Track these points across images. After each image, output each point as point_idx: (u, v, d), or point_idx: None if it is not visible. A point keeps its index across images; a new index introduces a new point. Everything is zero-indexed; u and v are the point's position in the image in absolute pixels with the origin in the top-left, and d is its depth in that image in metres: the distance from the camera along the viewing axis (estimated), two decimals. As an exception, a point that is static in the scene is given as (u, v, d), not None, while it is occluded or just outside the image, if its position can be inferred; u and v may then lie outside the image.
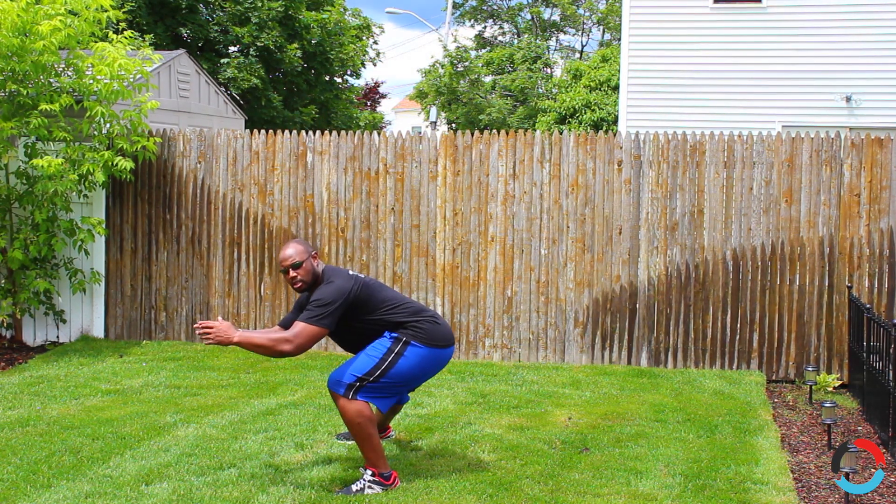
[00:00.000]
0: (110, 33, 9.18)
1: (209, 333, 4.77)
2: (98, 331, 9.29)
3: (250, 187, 9.06)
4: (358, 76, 25.81)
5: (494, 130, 8.85)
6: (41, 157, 8.39)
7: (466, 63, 33.68)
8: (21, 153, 8.88)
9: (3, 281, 8.98)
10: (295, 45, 20.69)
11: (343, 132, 8.98)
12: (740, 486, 5.21)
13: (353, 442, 5.73)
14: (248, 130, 9.26)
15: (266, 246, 9.04)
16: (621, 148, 8.49)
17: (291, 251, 5.12)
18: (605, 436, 6.14)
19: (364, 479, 5.02)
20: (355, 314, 5.11)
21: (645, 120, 14.15)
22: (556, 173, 8.58)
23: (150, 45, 11.33)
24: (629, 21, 14.98)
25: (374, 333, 5.15)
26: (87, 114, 8.61)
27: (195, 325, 4.86)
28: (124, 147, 8.77)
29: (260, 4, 19.89)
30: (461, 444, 5.82)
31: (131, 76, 8.91)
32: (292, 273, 5.11)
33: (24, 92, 8.58)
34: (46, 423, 6.33)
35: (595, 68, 24.35)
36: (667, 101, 14.55)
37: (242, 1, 20.00)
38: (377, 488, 5.00)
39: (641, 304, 8.42)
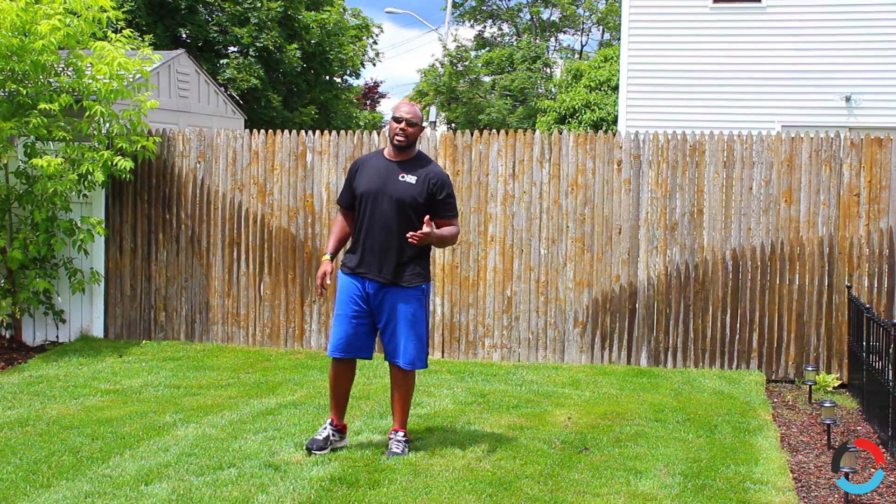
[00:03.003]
0: (109, 33, 9.18)
1: (422, 239, 5.37)
2: (98, 331, 9.28)
3: (250, 187, 9.06)
4: (357, 76, 25.82)
5: (494, 130, 8.85)
6: (41, 157, 8.39)
7: (466, 63, 33.69)
8: (20, 153, 8.87)
9: (2, 281, 8.97)
10: (294, 46, 20.68)
11: (342, 132, 8.98)
12: (740, 486, 5.21)
13: (326, 451, 5.54)
14: (247, 130, 9.26)
15: (266, 246, 9.03)
16: (621, 148, 8.49)
17: (415, 111, 5.57)
18: (604, 436, 6.13)
19: (403, 441, 5.61)
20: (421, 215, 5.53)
21: (645, 120, 14.13)
22: (555, 173, 8.57)
23: (150, 45, 11.33)
24: (629, 21, 14.97)
25: (409, 250, 5.50)
26: (87, 113, 8.61)
27: (413, 236, 5.37)
28: (124, 147, 8.77)
29: (259, 5, 19.88)
30: (461, 444, 5.81)
31: (130, 76, 8.91)
32: (406, 127, 5.50)
33: (24, 91, 8.58)
34: (46, 423, 6.33)
35: (595, 68, 24.32)
36: (666, 101, 14.54)
37: (242, 1, 20.00)
38: (407, 445, 5.64)
39: (641, 303, 8.42)
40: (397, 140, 5.51)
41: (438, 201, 5.54)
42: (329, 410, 5.80)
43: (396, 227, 5.47)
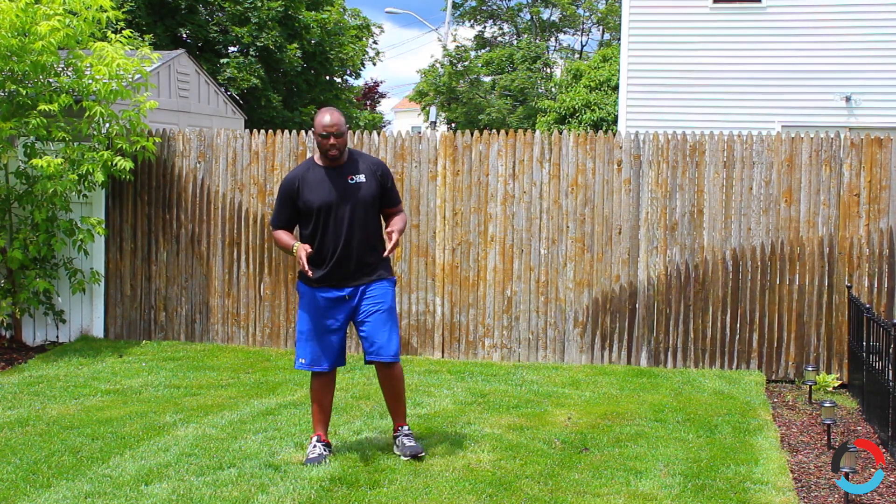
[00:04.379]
0: (109, 33, 9.18)
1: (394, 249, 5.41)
2: (98, 331, 9.28)
3: (250, 187, 9.06)
4: (357, 76, 25.85)
5: (494, 130, 8.85)
6: (40, 157, 8.39)
7: (466, 63, 33.71)
8: (20, 153, 8.87)
9: (2, 281, 8.97)
10: (294, 45, 20.70)
11: (343, 132, 8.97)
12: (740, 486, 5.21)
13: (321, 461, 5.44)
14: (247, 130, 9.26)
15: (266, 246, 9.03)
16: (621, 148, 8.49)
17: (338, 118, 5.34)
18: (604, 436, 6.14)
19: (411, 434, 5.63)
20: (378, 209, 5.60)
21: (645, 120, 14.14)
22: (555, 173, 8.58)
23: (150, 45, 11.33)
24: (629, 21, 14.98)
25: (372, 242, 5.50)
26: (87, 114, 8.61)
27: (388, 253, 5.40)
28: (123, 147, 8.77)
29: (260, 4, 19.90)
30: (461, 444, 5.82)
31: (130, 76, 8.91)
32: (335, 140, 5.33)
33: (24, 92, 8.58)
34: (46, 423, 6.33)
35: (595, 68, 24.34)
36: (667, 101, 14.55)
37: (242, 1, 20.01)
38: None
39: (641, 303, 8.42)
40: (332, 154, 5.37)
41: (388, 190, 5.58)
42: (313, 427, 5.67)
43: (364, 228, 5.45)
